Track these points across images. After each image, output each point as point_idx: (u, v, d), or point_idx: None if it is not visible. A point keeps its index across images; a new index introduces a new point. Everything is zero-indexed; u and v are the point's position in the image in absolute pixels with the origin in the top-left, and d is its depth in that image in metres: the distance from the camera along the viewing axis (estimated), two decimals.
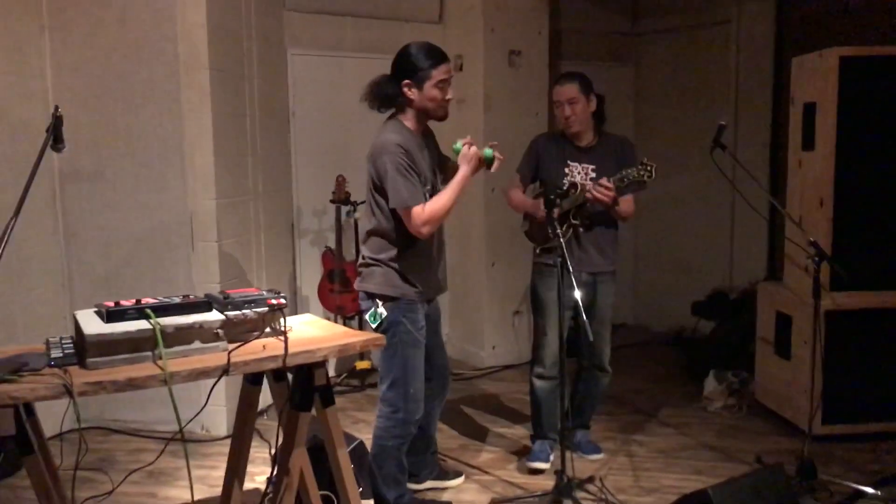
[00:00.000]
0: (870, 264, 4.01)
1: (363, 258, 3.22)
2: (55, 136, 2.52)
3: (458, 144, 3.08)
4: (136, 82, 4.15)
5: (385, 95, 3.06)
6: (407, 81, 3.01)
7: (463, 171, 3.04)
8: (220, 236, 4.18)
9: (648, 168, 3.34)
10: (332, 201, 4.93)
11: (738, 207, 5.71)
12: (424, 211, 2.97)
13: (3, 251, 2.22)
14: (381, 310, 3.12)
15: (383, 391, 3.21)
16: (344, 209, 4.94)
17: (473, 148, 3.06)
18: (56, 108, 2.59)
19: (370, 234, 3.16)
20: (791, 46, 5.22)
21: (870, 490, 3.44)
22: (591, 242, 3.72)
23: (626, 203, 3.64)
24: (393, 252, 3.11)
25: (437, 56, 3.03)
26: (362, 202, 4.72)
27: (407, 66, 3.01)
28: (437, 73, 3.00)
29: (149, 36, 4.12)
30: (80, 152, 4.14)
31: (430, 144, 3.22)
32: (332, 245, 5.00)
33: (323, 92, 5.24)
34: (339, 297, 4.93)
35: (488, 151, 3.09)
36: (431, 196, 3.07)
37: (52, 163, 4.18)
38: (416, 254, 3.13)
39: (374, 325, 3.14)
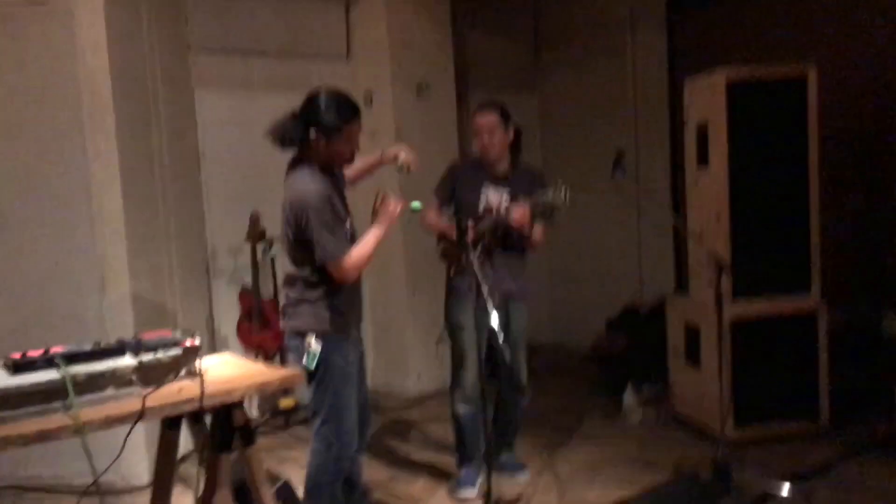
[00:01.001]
0: (768, 272, 4.23)
1: (288, 298, 3.19)
2: None
3: (417, 204, 3.15)
4: (39, 127, 4.08)
5: (289, 139, 3.03)
6: (316, 133, 2.97)
7: (380, 227, 3.09)
8: (133, 280, 4.11)
9: (562, 190, 3.46)
10: (248, 239, 4.91)
11: (644, 225, 5.94)
12: (350, 260, 2.99)
13: None
14: (314, 346, 3.09)
15: (316, 427, 3.16)
16: (259, 247, 4.92)
17: (393, 208, 3.10)
18: None
19: (294, 277, 3.15)
20: (684, 68, 5.49)
21: (783, 488, 3.61)
22: (503, 266, 3.79)
23: (537, 231, 3.74)
24: (318, 291, 3.10)
25: (348, 111, 3.00)
26: (277, 238, 4.77)
27: (316, 117, 2.97)
28: (348, 129, 3.00)
29: (50, 80, 4.06)
30: None
31: (339, 181, 3.23)
32: (249, 284, 4.96)
33: (232, 130, 5.22)
34: (259, 336, 4.89)
35: (416, 205, 3.17)
36: (351, 234, 3.11)
37: None
38: (340, 290, 3.13)
39: (312, 366, 3.08)
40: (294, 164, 3.11)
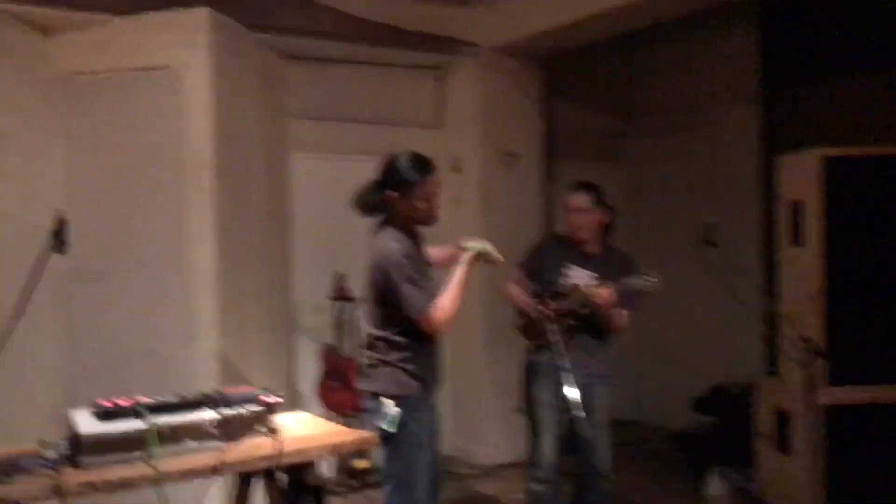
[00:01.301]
0: (866, 358, 4.02)
1: (369, 359, 3.20)
2: (58, 240, 2.61)
3: (472, 243, 3.13)
4: (143, 185, 4.30)
5: (371, 205, 3.08)
6: (395, 192, 3.00)
7: (462, 270, 3.07)
8: (220, 334, 4.23)
9: (650, 280, 3.42)
10: (332, 298, 5.00)
11: (733, 302, 5.76)
12: (438, 310, 2.99)
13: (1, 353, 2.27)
14: (391, 409, 3.05)
15: (387, 493, 3.12)
16: (343, 306, 5.00)
17: (471, 253, 3.10)
18: (59, 212, 2.69)
19: (376, 338, 3.15)
20: (780, 145, 5.38)
21: None
22: (584, 346, 3.72)
23: (622, 316, 3.67)
24: (397, 354, 3.10)
25: (423, 168, 3.03)
26: (361, 299, 4.84)
27: (394, 178, 3.01)
28: (425, 186, 3.01)
29: (156, 139, 4.29)
30: (86, 253, 4.23)
31: (419, 244, 3.24)
32: (331, 342, 5.04)
33: (323, 192, 5.38)
34: (338, 395, 4.93)
35: (481, 247, 3.13)
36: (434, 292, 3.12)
37: (60, 264, 4.27)
38: (419, 354, 3.13)
39: (392, 430, 3.04)
40: (378, 228, 3.16)
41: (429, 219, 3.10)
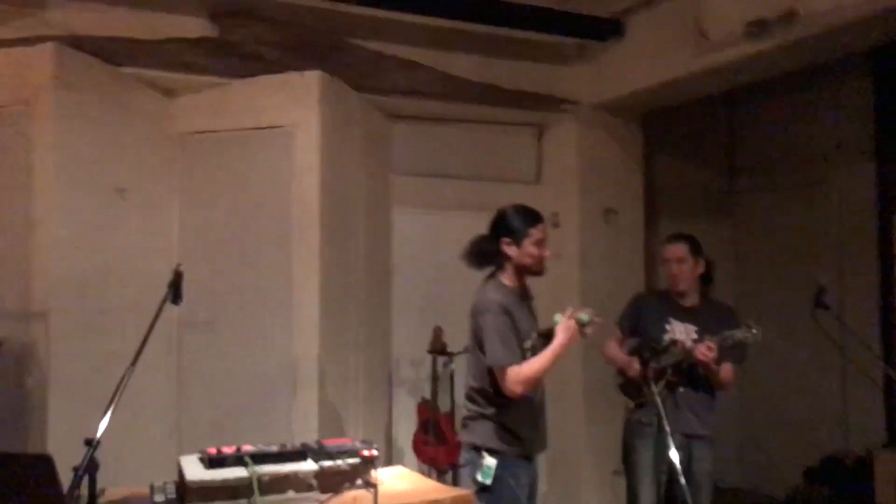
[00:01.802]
0: None
1: (468, 411, 3.23)
2: (175, 291, 2.75)
3: (558, 317, 3.10)
4: (252, 239, 4.48)
5: (485, 253, 3.16)
6: (506, 239, 3.11)
7: (560, 339, 3.03)
8: (321, 385, 4.32)
9: (753, 331, 3.32)
10: (430, 352, 5.03)
11: (849, 367, 5.47)
12: (519, 372, 2.99)
13: (118, 398, 2.39)
14: (489, 461, 3.08)
15: None
16: (440, 360, 5.02)
17: (572, 321, 3.06)
18: (178, 265, 2.84)
19: (473, 389, 3.18)
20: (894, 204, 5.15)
21: None
22: (687, 404, 3.63)
23: (726, 370, 3.56)
24: (496, 408, 3.11)
25: (533, 216, 3.16)
26: (459, 353, 4.86)
27: (505, 226, 3.14)
28: (535, 232, 3.11)
29: (268, 196, 4.48)
30: (198, 303, 4.43)
31: (529, 304, 3.28)
32: (428, 396, 5.05)
33: (423, 246, 5.47)
34: (433, 449, 4.92)
35: (584, 317, 3.10)
36: (532, 353, 3.10)
37: (172, 312, 4.48)
38: (518, 409, 3.12)
39: (487, 482, 3.07)
40: (486, 280, 3.23)
41: (538, 267, 3.16)
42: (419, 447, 5.00)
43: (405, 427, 5.27)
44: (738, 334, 3.38)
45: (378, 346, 5.13)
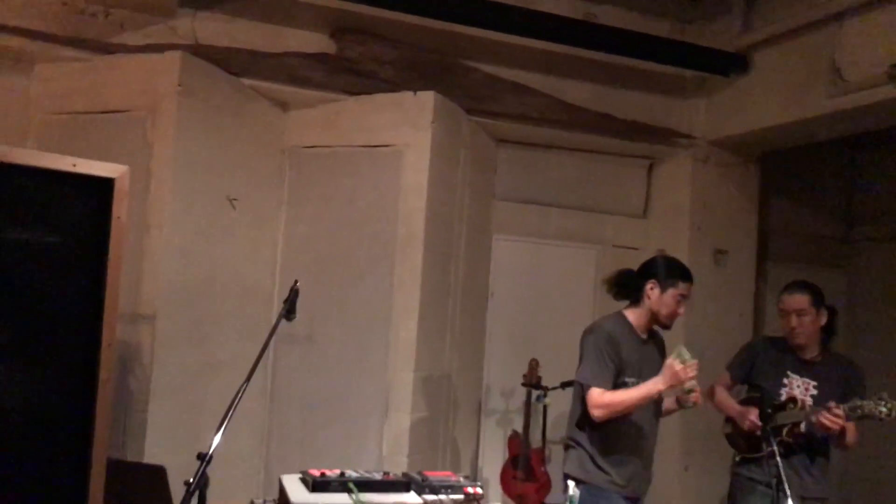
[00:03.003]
0: None
1: (567, 439, 3.30)
2: (290, 307, 2.72)
3: (686, 355, 3.02)
4: (357, 256, 4.46)
5: (626, 286, 3.24)
6: (653, 282, 3.19)
7: (657, 380, 3.03)
8: (414, 409, 4.25)
9: (889, 405, 3.08)
10: (524, 384, 4.90)
11: None
12: (603, 395, 3.02)
13: (231, 414, 2.36)
14: (573, 491, 3.01)
15: None
16: (534, 393, 4.88)
17: (680, 368, 2.97)
18: (296, 282, 2.81)
19: (573, 411, 3.25)
20: None
21: None
22: (801, 463, 3.44)
23: (851, 432, 3.34)
24: (586, 437, 3.16)
25: (685, 273, 3.25)
26: (553, 388, 4.72)
27: (657, 270, 3.22)
28: (682, 287, 3.19)
29: (373, 215, 4.46)
30: (297, 317, 4.43)
31: (655, 347, 3.31)
32: (519, 429, 4.91)
33: (522, 275, 5.36)
34: (522, 484, 4.77)
35: (688, 387, 3.03)
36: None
37: (270, 325, 4.50)
38: (611, 439, 3.12)
39: None
40: (612, 313, 3.30)
41: (668, 320, 3.23)
42: (507, 482, 4.86)
43: (491, 458, 5.14)
44: (869, 407, 3.14)
45: (470, 374, 5.03)
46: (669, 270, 3.19)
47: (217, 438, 2.27)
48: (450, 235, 4.68)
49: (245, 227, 4.44)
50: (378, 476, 2.68)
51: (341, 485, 2.55)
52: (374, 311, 4.39)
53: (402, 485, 2.64)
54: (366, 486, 2.58)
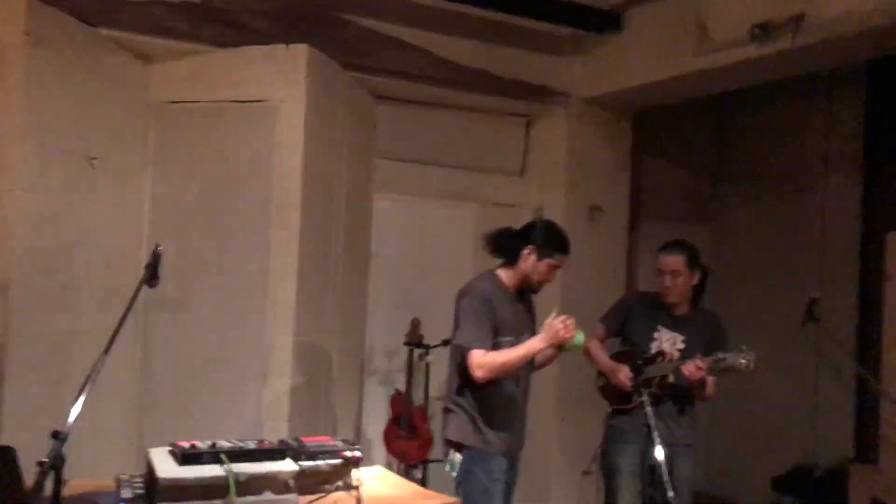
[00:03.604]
0: None
1: (445, 404, 3.27)
2: (152, 273, 2.57)
3: (580, 339, 3.05)
4: (229, 218, 4.28)
5: (503, 247, 3.21)
6: (530, 248, 3.15)
7: (538, 338, 3.03)
8: (294, 374, 4.16)
9: (748, 357, 3.23)
10: (406, 343, 4.89)
11: (821, 379, 5.46)
12: (484, 356, 3.00)
13: (88, 387, 2.22)
14: (454, 457, 3.14)
15: None
16: (417, 352, 4.88)
17: (559, 326, 2.98)
18: (157, 245, 2.65)
19: (450, 375, 3.22)
20: (882, 218, 5.11)
21: None
22: (669, 413, 3.58)
23: (711, 386, 3.50)
24: (463, 402, 3.14)
25: (563, 246, 3.22)
26: (435, 346, 4.73)
27: (537, 237, 3.17)
28: (558, 259, 3.18)
29: (246, 175, 4.28)
30: (167, 282, 4.19)
31: (525, 307, 3.30)
32: (402, 388, 4.91)
33: (403, 234, 5.33)
34: (406, 442, 4.79)
35: (579, 340, 3.06)
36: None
37: (143, 290, 4.28)
38: (490, 402, 3.12)
39: (454, 475, 3.14)
40: (485, 271, 3.27)
41: (538, 286, 3.24)
42: (391, 440, 4.87)
43: (375, 418, 5.13)
44: (731, 359, 3.29)
45: (353, 335, 4.97)
46: (549, 241, 3.17)
47: (73, 415, 2.12)
48: (329, 195, 4.56)
49: (108, 188, 4.17)
50: (252, 445, 2.59)
51: (212, 456, 2.44)
52: (249, 275, 4.24)
53: (277, 452, 2.56)
54: (239, 455, 2.48)
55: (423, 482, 4.93)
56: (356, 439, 5.04)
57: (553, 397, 5.35)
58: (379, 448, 5.03)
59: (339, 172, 4.63)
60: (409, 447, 4.78)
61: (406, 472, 4.85)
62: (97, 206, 4.12)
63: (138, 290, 2.55)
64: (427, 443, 4.73)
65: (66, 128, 3.92)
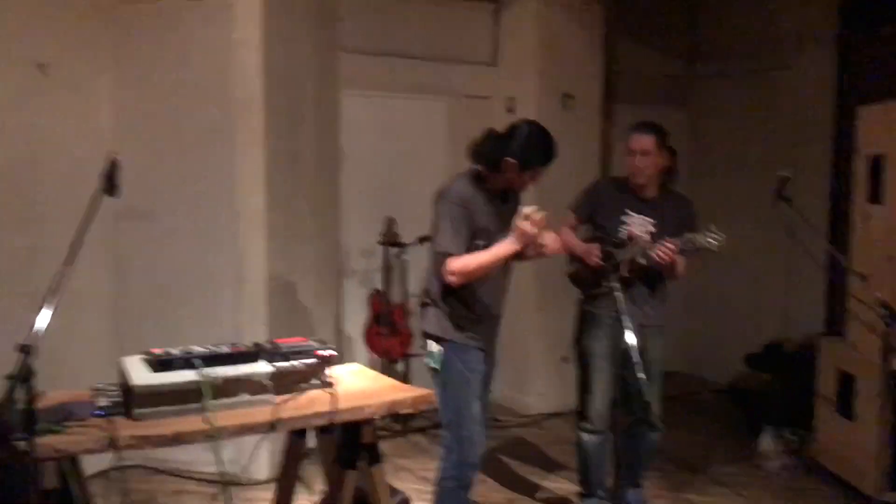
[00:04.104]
0: None
1: (422, 298, 3.27)
2: (109, 182, 2.51)
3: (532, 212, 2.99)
4: (192, 123, 4.17)
5: (484, 155, 3.08)
6: (514, 160, 3.00)
7: (508, 241, 2.96)
8: (269, 277, 4.16)
9: (716, 237, 3.25)
10: (381, 243, 4.89)
11: (793, 257, 5.53)
12: (458, 261, 2.97)
13: (54, 302, 2.20)
14: (433, 347, 3.15)
15: (442, 433, 3.20)
16: (392, 251, 4.89)
17: (529, 228, 2.90)
18: (113, 153, 2.59)
19: (429, 271, 3.20)
20: (854, 94, 5.07)
21: None
22: (640, 295, 3.61)
23: (681, 265, 3.51)
24: (441, 295, 3.13)
25: (547, 157, 3.07)
26: (411, 244, 4.73)
27: (520, 149, 3.01)
28: (540, 171, 3.08)
29: (207, 77, 4.14)
30: (135, 191, 4.12)
31: (508, 207, 3.15)
32: (380, 287, 4.95)
33: (374, 132, 5.24)
34: (387, 340, 4.86)
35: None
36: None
37: (107, 202, 4.19)
38: (467, 297, 3.11)
39: (432, 365, 3.15)
40: (460, 173, 3.18)
41: (519, 189, 3.16)
42: (372, 339, 4.94)
43: (356, 318, 5.18)
44: (699, 239, 3.30)
45: (328, 238, 4.94)
46: (531, 152, 3.01)
47: (38, 326, 2.11)
48: (295, 94, 4.44)
49: (63, 97, 4.03)
50: (227, 348, 2.61)
51: (186, 361, 2.47)
52: (218, 181, 4.16)
53: (251, 355, 2.59)
54: (213, 360, 2.51)
55: (405, 378, 5.05)
56: (337, 340, 5.11)
57: (531, 288, 5.42)
58: (361, 347, 5.10)
59: (303, 70, 4.50)
60: (390, 344, 4.86)
61: (389, 369, 4.95)
62: (54, 117, 3.99)
63: (95, 200, 2.49)
64: (408, 339, 4.80)
65: (11, 34, 3.75)
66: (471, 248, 3.03)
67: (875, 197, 3.96)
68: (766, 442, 4.63)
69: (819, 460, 4.41)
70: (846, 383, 4.14)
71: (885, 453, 3.43)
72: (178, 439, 2.23)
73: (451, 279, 2.98)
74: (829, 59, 5.42)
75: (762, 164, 5.60)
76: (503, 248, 2.97)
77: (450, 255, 2.97)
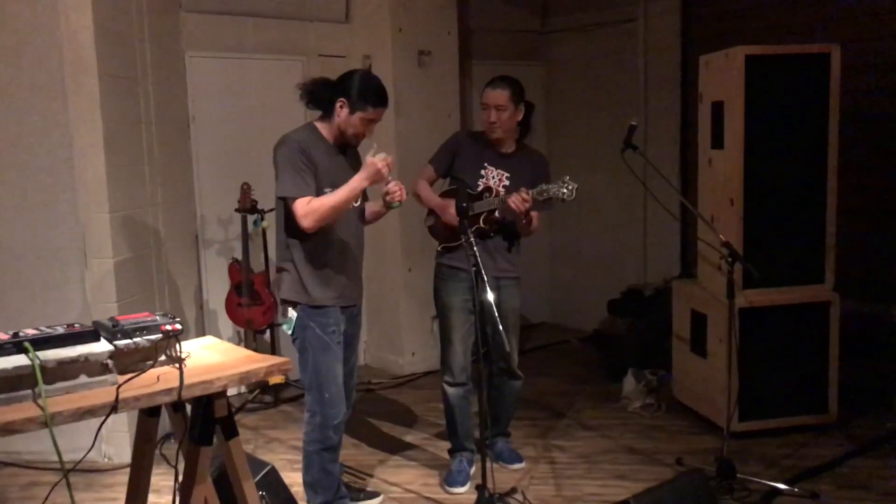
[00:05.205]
0: (780, 260, 4.05)
1: (276, 264, 3.25)
2: None
3: (382, 154, 2.99)
4: (20, 88, 3.85)
5: (316, 97, 3.11)
6: (343, 100, 3.05)
7: (359, 177, 2.98)
8: (116, 252, 3.93)
9: (569, 187, 3.30)
10: (238, 210, 4.71)
11: (650, 205, 5.75)
12: (309, 203, 2.95)
13: None
14: (290, 313, 3.14)
15: (305, 397, 3.22)
16: (250, 218, 4.72)
17: (380, 164, 2.94)
18: None
19: (279, 232, 3.16)
20: (698, 44, 5.27)
21: (784, 486, 3.49)
22: (496, 248, 3.67)
23: (535, 220, 3.57)
24: (292, 259, 3.11)
25: (378, 99, 3.09)
26: (270, 210, 4.58)
27: (351, 89, 3.05)
28: (371, 113, 3.08)
29: (30, 38, 3.82)
30: None
31: (348, 159, 3.22)
32: (239, 256, 4.77)
33: (224, 95, 5.00)
34: (248, 310, 4.71)
35: (396, 205, 3.15)
36: None
37: None
38: (320, 255, 3.11)
39: (289, 332, 3.18)
40: (302, 125, 3.19)
41: (354, 140, 3.17)
42: (233, 309, 4.77)
43: (218, 288, 4.98)
44: (553, 189, 3.36)
45: (180, 206, 4.72)
46: (362, 93, 3.04)
47: None
48: (131, 56, 4.17)
49: None
50: (61, 329, 2.43)
51: (15, 346, 2.28)
52: (53, 150, 3.88)
53: (89, 335, 2.41)
54: (46, 342, 2.32)
55: (272, 348, 4.93)
56: (199, 313, 4.91)
57: (397, 248, 5.38)
58: (225, 319, 4.93)
59: (139, 30, 4.22)
60: (252, 314, 4.71)
61: (254, 339, 4.81)
62: None
63: None
64: (271, 308, 4.67)
65: None
66: (319, 196, 3.01)
67: (717, 142, 4.13)
68: (629, 384, 4.82)
69: (678, 398, 4.63)
70: (698, 322, 4.35)
71: (735, 386, 3.62)
72: (8, 429, 2.05)
73: (305, 223, 2.94)
74: (673, 10, 5.60)
75: (616, 115, 5.75)
76: (353, 183, 2.97)
77: (294, 199, 2.95)
